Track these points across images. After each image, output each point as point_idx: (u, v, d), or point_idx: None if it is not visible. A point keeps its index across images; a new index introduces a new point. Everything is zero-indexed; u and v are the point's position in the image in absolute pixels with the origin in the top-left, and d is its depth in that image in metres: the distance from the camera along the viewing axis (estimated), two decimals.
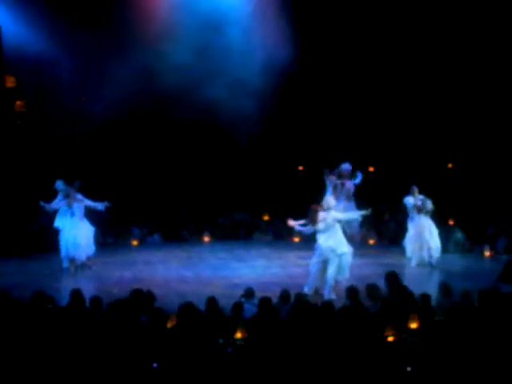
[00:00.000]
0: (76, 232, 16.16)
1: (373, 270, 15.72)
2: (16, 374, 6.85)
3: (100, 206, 16.55)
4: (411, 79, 21.48)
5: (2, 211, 19.60)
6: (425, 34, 20.79)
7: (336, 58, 21.56)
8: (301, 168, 22.99)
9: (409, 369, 6.79)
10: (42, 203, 16.59)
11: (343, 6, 20.79)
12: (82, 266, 16.25)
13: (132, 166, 21.83)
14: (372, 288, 10.93)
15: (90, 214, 16.79)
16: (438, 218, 18.33)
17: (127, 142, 21.98)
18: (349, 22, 20.93)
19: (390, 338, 8.48)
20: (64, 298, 10.51)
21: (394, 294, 10.60)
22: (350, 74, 21.63)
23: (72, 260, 16.17)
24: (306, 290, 13.05)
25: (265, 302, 9.69)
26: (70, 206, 16.30)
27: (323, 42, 21.23)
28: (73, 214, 16.30)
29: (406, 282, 13.04)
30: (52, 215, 17.10)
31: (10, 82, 21.49)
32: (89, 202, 16.45)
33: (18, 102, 22.00)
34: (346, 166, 17.86)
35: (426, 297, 9.95)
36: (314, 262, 13.37)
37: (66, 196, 16.45)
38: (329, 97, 22.14)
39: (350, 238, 16.85)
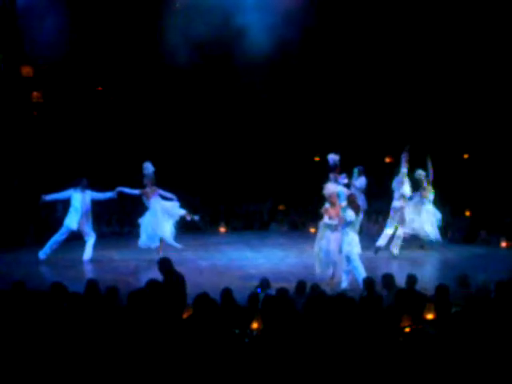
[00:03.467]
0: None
1: (388, 261, 15.78)
2: (29, 364, 6.90)
3: (110, 194, 16.33)
4: (426, 70, 21.46)
5: (16, 201, 19.67)
6: (444, 30, 20.80)
7: (351, 51, 21.64)
8: (317, 159, 22.98)
9: (424, 360, 6.79)
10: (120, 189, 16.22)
11: None
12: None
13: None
14: (388, 278, 10.95)
15: (104, 204, 16.85)
16: (454, 208, 18.30)
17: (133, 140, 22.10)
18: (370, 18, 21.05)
19: (407, 329, 8.47)
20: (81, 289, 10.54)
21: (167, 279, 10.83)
22: (367, 69, 21.69)
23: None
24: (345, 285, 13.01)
25: (281, 292, 9.73)
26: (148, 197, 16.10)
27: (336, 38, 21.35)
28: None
29: (421, 272, 13.05)
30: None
31: (27, 73, 21.50)
32: (98, 195, 16.34)
33: (35, 93, 22.02)
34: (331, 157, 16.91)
35: (442, 288, 9.93)
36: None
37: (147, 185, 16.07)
38: (345, 88, 22.15)
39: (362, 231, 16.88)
